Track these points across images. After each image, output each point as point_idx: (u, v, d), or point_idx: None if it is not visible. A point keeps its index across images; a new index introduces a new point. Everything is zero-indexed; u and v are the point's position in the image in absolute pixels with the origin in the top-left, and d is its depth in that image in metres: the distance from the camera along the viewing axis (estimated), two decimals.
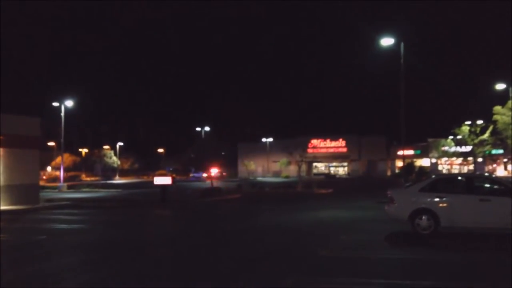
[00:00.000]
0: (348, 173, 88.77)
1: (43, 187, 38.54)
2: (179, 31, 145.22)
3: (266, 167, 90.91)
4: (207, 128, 77.85)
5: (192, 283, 7.78)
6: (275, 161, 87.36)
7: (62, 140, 49.20)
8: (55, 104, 47.61)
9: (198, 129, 77.87)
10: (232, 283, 7.72)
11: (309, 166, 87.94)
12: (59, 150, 62.16)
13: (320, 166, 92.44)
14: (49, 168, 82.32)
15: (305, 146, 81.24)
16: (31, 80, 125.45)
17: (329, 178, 77.35)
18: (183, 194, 32.07)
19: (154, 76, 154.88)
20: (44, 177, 64.69)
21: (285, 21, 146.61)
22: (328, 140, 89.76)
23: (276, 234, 13.21)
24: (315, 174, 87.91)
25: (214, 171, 53.54)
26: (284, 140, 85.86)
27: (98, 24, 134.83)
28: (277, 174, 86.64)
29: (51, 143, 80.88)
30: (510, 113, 32.41)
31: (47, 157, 75.48)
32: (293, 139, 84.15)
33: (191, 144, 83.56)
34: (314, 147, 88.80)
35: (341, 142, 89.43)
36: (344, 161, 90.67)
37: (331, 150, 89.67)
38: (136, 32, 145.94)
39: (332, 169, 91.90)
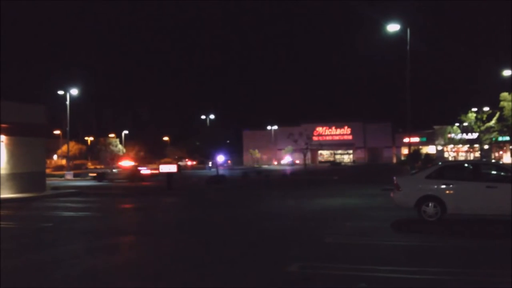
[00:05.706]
0: (354, 161, 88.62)
1: (49, 175, 38.73)
2: (184, 18, 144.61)
3: (271, 155, 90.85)
4: (212, 116, 77.66)
5: (201, 268, 7.80)
6: (280, 149, 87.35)
7: (67, 128, 49.35)
8: (60, 92, 47.64)
9: (203, 117, 77.70)
10: (239, 268, 7.73)
11: (315, 154, 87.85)
12: (64, 138, 62.38)
13: (326, 154, 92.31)
14: (55, 156, 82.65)
15: (310, 134, 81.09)
16: (37, 67, 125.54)
17: (334, 165, 77.27)
18: (188, 182, 32.17)
19: (160, 65, 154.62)
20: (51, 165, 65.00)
21: (291, 7, 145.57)
22: (333, 128, 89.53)
23: (282, 221, 13.20)
24: (321, 162, 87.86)
25: None
26: (289, 128, 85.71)
27: (101, 12, 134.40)
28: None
29: (57, 131, 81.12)
30: None
31: (53, 145, 75.74)
32: (298, 127, 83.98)
33: (197, 133, 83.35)
34: (320, 135, 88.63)
35: (346, 130, 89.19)
36: (349, 149, 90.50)
37: (336, 137, 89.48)
38: (142, 20, 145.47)
39: (337, 157, 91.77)
